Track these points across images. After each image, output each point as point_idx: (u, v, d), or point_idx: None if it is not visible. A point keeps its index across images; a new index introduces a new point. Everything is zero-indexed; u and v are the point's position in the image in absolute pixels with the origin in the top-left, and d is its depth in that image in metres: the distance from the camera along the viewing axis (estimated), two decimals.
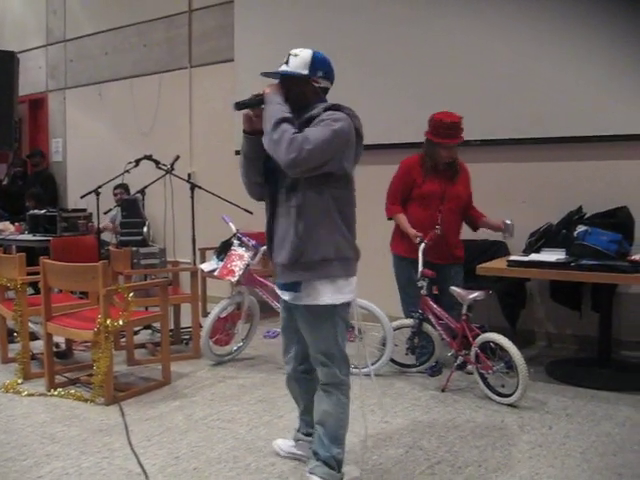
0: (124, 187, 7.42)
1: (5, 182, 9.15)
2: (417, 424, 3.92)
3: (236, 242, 5.01)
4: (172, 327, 5.62)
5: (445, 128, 4.65)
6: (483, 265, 4.68)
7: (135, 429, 3.83)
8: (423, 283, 4.60)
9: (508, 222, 4.70)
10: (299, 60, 2.94)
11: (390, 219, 5.02)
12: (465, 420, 3.96)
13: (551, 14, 5.44)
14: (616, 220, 4.95)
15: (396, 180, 4.96)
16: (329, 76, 3.03)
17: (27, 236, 7.17)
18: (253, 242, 5.06)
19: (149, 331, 6.12)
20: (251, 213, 5.41)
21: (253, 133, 2.97)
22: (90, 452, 3.53)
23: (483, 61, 5.77)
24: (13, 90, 5.87)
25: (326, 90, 3.04)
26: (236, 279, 4.89)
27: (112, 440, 3.68)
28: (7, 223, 7.44)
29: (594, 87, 5.31)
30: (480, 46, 5.78)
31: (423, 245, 4.64)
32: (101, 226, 6.38)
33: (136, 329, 5.69)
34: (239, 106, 2.97)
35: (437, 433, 3.77)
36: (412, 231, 4.75)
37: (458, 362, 4.48)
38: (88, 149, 9.28)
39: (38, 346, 5.09)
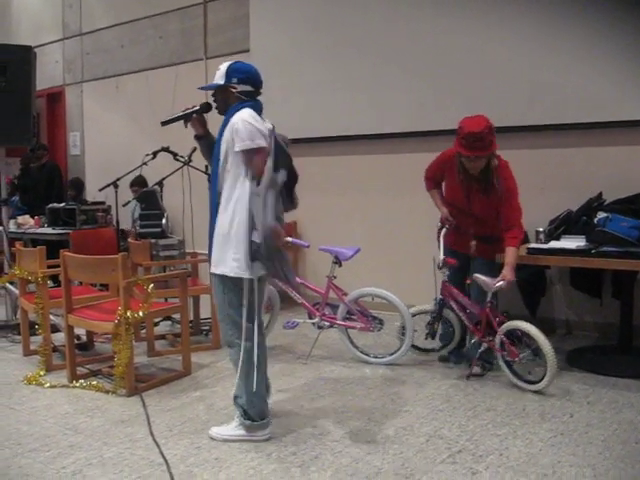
0: (140, 183, 7.42)
1: (18, 176, 9.17)
2: (437, 413, 3.91)
3: None
4: (192, 318, 5.65)
5: (464, 137, 4.27)
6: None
7: (156, 420, 3.86)
8: (445, 270, 4.56)
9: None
10: (219, 73, 3.46)
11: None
12: (486, 408, 3.95)
13: (569, 5, 5.39)
14: (637, 206, 4.88)
15: (434, 163, 4.79)
16: (248, 80, 3.45)
17: (47, 229, 7.23)
18: None
19: (169, 322, 6.16)
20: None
21: (198, 137, 3.61)
22: (112, 443, 3.56)
23: (497, 48, 5.72)
24: (31, 85, 5.87)
25: (249, 92, 3.46)
26: None
27: (134, 431, 3.71)
28: (27, 217, 7.49)
29: (612, 72, 5.25)
30: (494, 35, 5.74)
31: (445, 230, 4.64)
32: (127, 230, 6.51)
33: (156, 320, 5.72)
34: (164, 123, 3.65)
35: (458, 422, 3.76)
36: (444, 210, 4.70)
37: (482, 349, 4.45)
38: (106, 142, 9.32)
39: (59, 338, 5.13)
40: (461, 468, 3.19)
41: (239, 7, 7.61)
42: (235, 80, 3.42)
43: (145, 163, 5.74)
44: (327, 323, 4.97)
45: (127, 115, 8.96)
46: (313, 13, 6.87)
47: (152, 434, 3.64)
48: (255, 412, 3.50)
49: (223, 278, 3.40)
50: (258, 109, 3.48)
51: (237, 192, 3.35)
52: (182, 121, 3.59)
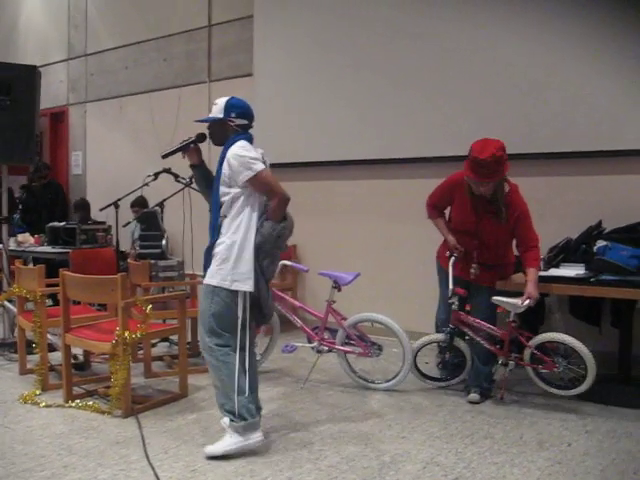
0: (140, 203, 7.45)
1: (24, 195, 9.22)
2: (435, 439, 3.89)
3: None
4: (189, 340, 5.63)
5: (473, 162, 4.27)
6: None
7: (152, 441, 3.83)
8: (454, 300, 4.54)
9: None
10: (217, 107, 3.72)
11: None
12: (483, 436, 3.93)
13: (572, 29, 5.43)
14: (636, 235, 4.89)
15: (438, 189, 4.72)
16: (244, 115, 3.73)
17: (46, 248, 7.23)
18: None
19: (167, 344, 6.14)
20: None
21: (194, 167, 3.86)
22: (107, 464, 3.53)
23: (501, 75, 5.77)
24: (35, 104, 5.91)
25: (245, 125, 3.74)
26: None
27: (129, 452, 3.69)
28: (27, 235, 7.50)
29: (614, 101, 5.29)
30: (498, 60, 5.78)
31: (453, 259, 4.59)
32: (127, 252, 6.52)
33: (154, 342, 5.71)
34: (164, 156, 3.84)
35: (455, 449, 3.74)
36: (451, 238, 4.63)
37: (510, 367, 4.49)
38: (108, 162, 9.36)
39: (56, 357, 5.11)
40: None
41: (243, 31, 7.68)
42: (234, 115, 3.70)
43: (146, 184, 5.75)
44: (326, 348, 4.96)
45: (130, 136, 9.01)
46: (317, 37, 6.93)
47: (147, 456, 3.62)
48: (245, 410, 3.62)
49: (217, 289, 3.61)
50: (250, 140, 3.75)
51: (241, 217, 3.62)
52: (180, 152, 3.84)
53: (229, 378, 3.61)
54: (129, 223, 6.18)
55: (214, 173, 3.73)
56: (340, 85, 6.79)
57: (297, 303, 5.37)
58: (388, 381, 4.86)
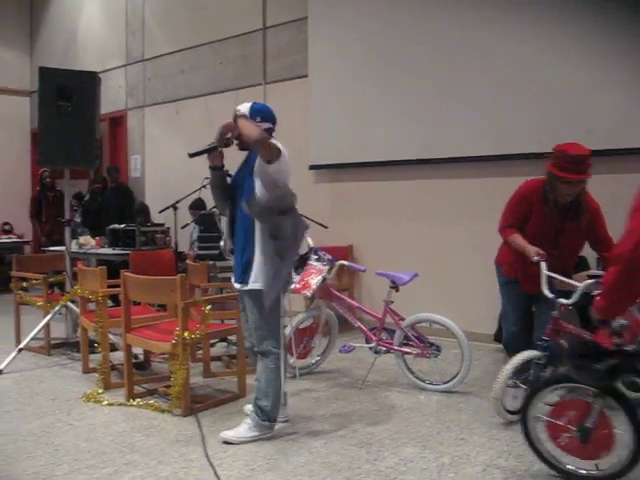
0: (198, 205, 7.52)
1: (86, 198, 9.46)
2: (495, 442, 3.83)
3: (313, 256, 5.01)
4: None
5: (569, 161, 4.06)
6: (560, 278, 4.42)
7: (211, 440, 3.87)
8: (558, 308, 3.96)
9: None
10: (241, 113, 3.77)
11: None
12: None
13: (588, 30, 5.39)
14: None
15: (511, 207, 4.42)
16: (268, 118, 3.86)
17: (107, 250, 7.37)
18: (329, 256, 5.06)
19: (225, 344, 6.19)
20: (326, 227, 5.42)
21: (214, 168, 3.91)
22: (168, 462, 3.58)
23: (551, 75, 5.69)
24: (95, 109, 6.03)
25: (269, 129, 3.83)
26: (311, 293, 4.89)
27: (189, 450, 3.73)
28: (88, 237, 7.66)
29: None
30: (549, 64, 5.72)
31: (544, 265, 3.99)
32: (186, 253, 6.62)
33: (212, 342, 5.76)
34: (192, 155, 3.89)
35: (515, 451, 3.67)
36: (532, 248, 4.12)
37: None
38: (165, 165, 9.50)
39: (118, 357, 5.21)
40: None
41: (298, 33, 7.71)
42: (259, 119, 3.79)
43: (204, 186, 5.81)
44: (383, 348, 4.93)
45: (187, 139, 9.12)
46: (370, 37, 6.92)
47: (207, 455, 3.65)
48: (275, 414, 3.89)
49: (262, 291, 3.72)
50: None
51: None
52: (206, 154, 3.92)
53: (275, 381, 3.85)
54: (188, 225, 6.26)
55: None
56: (392, 86, 6.77)
57: (355, 303, 5.36)
58: (446, 382, 4.81)
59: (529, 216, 4.33)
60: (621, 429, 3.03)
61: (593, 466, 3.17)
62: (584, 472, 3.21)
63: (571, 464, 3.24)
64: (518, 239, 4.29)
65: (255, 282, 3.74)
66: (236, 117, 3.76)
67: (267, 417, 3.85)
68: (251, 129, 3.63)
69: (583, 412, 3.09)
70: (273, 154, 3.64)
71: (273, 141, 3.69)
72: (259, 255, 3.72)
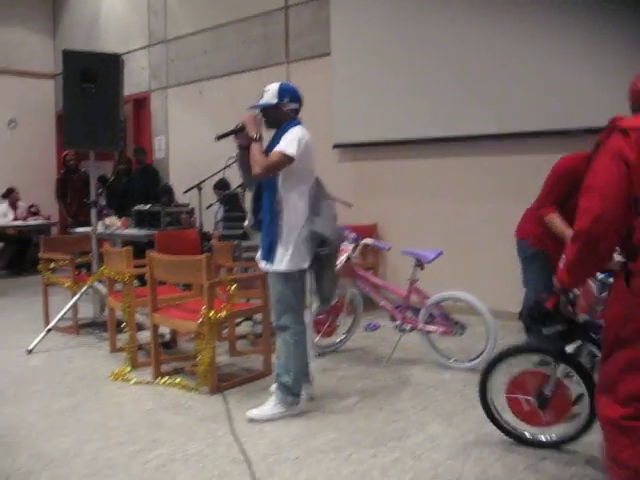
0: (223, 185, 7.54)
1: (111, 179, 9.54)
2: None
3: None
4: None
5: None
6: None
7: (238, 418, 3.91)
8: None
9: None
10: (270, 93, 3.89)
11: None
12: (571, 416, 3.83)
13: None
14: None
15: (553, 180, 4.22)
16: (296, 99, 3.93)
17: (132, 230, 7.43)
18: (353, 235, 5.05)
19: (250, 322, 6.23)
20: (350, 206, 5.40)
21: (242, 148, 3.92)
22: (195, 439, 3.62)
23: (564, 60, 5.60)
24: (119, 91, 6.05)
25: (296, 110, 3.94)
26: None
27: (216, 428, 3.77)
28: (114, 218, 7.72)
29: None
30: (554, 46, 5.62)
31: None
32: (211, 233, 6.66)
33: (238, 321, 5.80)
34: (218, 138, 3.98)
35: (541, 429, 3.65)
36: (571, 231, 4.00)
37: None
38: (189, 146, 9.53)
39: (144, 336, 5.26)
40: (544, 477, 3.11)
41: (320, 11, 7.66)
42: (287, 99, 3.88)
43: (228, 166, 5.83)
44: (408, 326, 4.93)
45: (210, 119, 9.13)
46: (394, 14, 6.84)
47: (233, 432, 3.70)
48: (298, 388, 3.94)
49: (290, 273, 3.82)
50: (301, 125, 3.93)
51: (292, 196, 3.81)
52: (232, 135, 3.97)
53: (295, 356, 3.91)
54: (212, 205, 6.28)
55: None
56: (416, 64, 6.70)
57: (379, 282, 5.36)
58: (472, 360, 4.80)
59: (573, 191, 3.81)
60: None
61: (551, 432, 3.39)
62: (543, 438, 3.42)
63: (529, 432, 3.44)
64: (557, 220, 4.11)
65: (279, 265, 3.81)
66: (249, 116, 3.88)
67: (290, 392, 3.91)
68: (249, 128, 3.82)
69: (541, 382, 3.29)
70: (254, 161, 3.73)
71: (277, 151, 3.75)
72: (283, 237, 3.80)
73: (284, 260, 3.80)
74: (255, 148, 3.78)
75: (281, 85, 3.91)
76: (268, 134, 3.93)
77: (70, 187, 9.83)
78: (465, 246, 6.47)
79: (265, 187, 3.88)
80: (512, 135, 6.10)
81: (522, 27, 5.96)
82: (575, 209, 3.73)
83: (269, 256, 3.86)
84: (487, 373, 3.46)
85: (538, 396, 3.29)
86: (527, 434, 3.44)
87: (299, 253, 3.80)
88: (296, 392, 3.94)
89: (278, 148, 3.75)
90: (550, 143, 5.74)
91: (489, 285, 6.04)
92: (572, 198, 3.85)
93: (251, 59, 8.59)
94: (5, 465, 3.35)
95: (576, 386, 3.25)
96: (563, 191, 4.14)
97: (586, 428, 3.26)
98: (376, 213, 7.19)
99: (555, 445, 3.39)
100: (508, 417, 3.45)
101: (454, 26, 6.39)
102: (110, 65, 6.00)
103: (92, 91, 5.83)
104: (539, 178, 4.68)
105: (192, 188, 5.97)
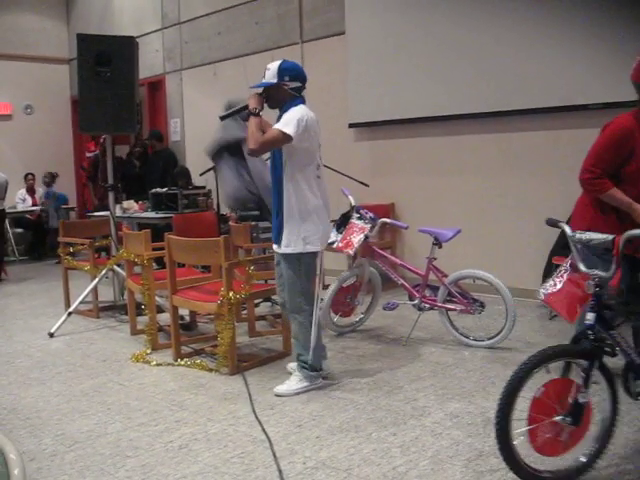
0: None
1: (124, 157, 9.53)
2: None
3: (355, 215, 4.99)
4: None
5: None
6: None
7: (258, 398, 3.94)
8: None
9: None
10: (270, 72, 3.87)
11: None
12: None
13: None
14: None
15: (608, 149, 3.50)
16: (297, 77, 3.88)
17: (150, 213, 7.46)
18: (371, 215, 5.05)
19: (269, 303, 6.25)
20: (367, 185, 5.39)
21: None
22: (216, 419, 3.65)
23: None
24: (134, 75, 6.04)
25: (299, 88, 3.89)
26: (354, 252, 4.89)
27: (237, 408, 3.80)
28: (131, 201, 7.75)
29: None
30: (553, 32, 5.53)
31: None
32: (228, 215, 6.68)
33: (256, 302, 5.82)
34: (222, 118, 4.17)
35: None
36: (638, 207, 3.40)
37: None
38: (205, 128, 9.45)
39: (164, 318, 5.30)
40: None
41: None
42: (287, 78, 3.84)
43: None
44: (427, 305, 4.93)
45: (225, 100, 9.09)
46: None
47: (254, 412, 3.72)
48: (318, 363, 4.05)
49: (299, 255, 3.89)
50: (304, 103, 3.92)
51: (296, 177, 3.86)
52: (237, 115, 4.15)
53: (310, 335, 3.97)
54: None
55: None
56: (431, 41, 6.63)
57: (397, 261, 5.36)
58: (491, 338, 4.79)
59: (629, 159, 3.48)
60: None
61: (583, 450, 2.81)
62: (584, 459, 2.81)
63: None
64: (618, 193, 3.47)
65: (287, 247, 3.90)
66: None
67: (313, 368, 4.03)
68: (250, 102, 3.89)
69: (571, 392, 2.73)
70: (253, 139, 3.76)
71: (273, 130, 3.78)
72: (288, 218, 3.87)
73: (291, 242, 3.88)
74: (253, 122, 3.78)
75: (281, 64, 3.89)
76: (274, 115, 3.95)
77: (101, 170, 9.84)
78: (483, 224, 6.44)
79: (272, 168, 3.96)
80: (526, 111, 6.02)
81: (534, 10, 5.89)
82: (630, 177, 3.47)
83: (279, 239, 3.95)
84: (509, 398, 2.78)
85: (571, 410, 2.69)
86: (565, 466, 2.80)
87: (307, 235, 3.86)
88: (319, 367, 4.07)
89: (276, 126, 3.77)
90: (567, 118, 5.68)
91: (508, 263, 6.03)
92: (626, 166, 3.50)
93: (265, 40, 8.54)
94: (30, 446, 3.40)
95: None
96: (620, 158, 3.49)
97: (609, 437, 2.85)
98: (393, 192, 7.16)
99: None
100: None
101: (468, 5, 6.31)
102: (125, 48, 5.99)
103: (107, 74, 5.83)
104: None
105: (208, 170, 5.97)
